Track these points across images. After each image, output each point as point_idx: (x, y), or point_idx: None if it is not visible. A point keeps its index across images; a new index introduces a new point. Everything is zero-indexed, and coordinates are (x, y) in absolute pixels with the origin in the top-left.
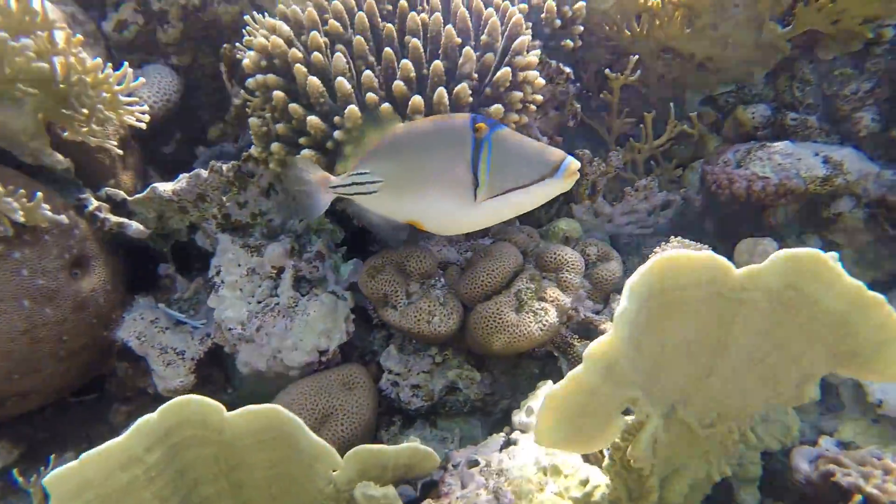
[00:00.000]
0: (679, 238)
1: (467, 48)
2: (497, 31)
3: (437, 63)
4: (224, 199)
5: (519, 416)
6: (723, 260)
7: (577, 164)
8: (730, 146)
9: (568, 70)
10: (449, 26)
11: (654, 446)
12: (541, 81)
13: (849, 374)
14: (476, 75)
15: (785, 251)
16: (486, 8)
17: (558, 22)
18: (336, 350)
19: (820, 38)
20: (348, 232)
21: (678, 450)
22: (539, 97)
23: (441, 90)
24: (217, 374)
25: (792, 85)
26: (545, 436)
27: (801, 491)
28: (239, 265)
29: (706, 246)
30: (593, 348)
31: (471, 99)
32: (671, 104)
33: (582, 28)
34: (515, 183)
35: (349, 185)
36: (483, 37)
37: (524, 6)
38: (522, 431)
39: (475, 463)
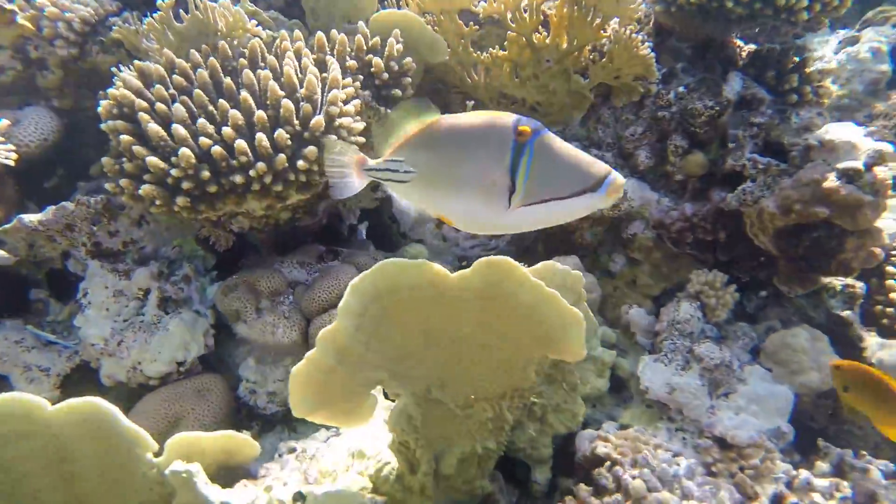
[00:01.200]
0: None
1: (285, 101)
2: (314, 86)
3: (260, 113)
4: (95, 228)
5: None
6: (438, 268)
7: (622, 181)
8: None
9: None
10: (272, 82)
11: (414, 423)
12: (358, 126)
13: (554, 355)
14: (297, 122)
15: (484, 259)
16: (307, 67)
17: (386, 75)
18: (194, 361)
19: (612, 88)
20: (220, 257)
21: (445, 428)
22: (362, 139)
23: (260, 135)
24: (89, 389)
25: (597, 126)
26: (297, 408)
27: (581, 466)
28: (106, 287)
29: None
30: (322, 333)
31: (289, 142)
32: None
33: (409, 79)
34: (554, 193)
35: (383, 170)
36: (303, 90)
37: (353, 63)
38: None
39: (293, 450)
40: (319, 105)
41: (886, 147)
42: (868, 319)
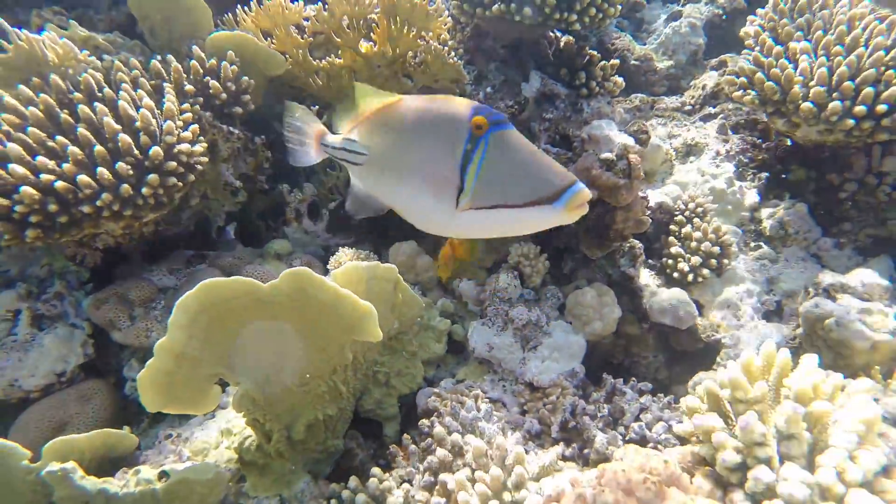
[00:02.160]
0: (348, 249)
1: (122, 135)
2: (148, 119)
3: (100, 148)
4: None
5: (223, 400)
6: (251, 281)
7: (586, 195)
8: None
9: (237, 132)
10: (108, 118)
11: (258, 403)
12: (197, 149)
13: (359, 338)
14: (137, 152)
15: (288, 270)
16: (143, 98)
17: (225, 96)
18: (75, 370)
19: (437, 90)
20: (93, 269)
21: (289, 402)
22: (204, 159)
23: (101, 169)
24: None
25: None
26: (150, 405)
27: (420, 418)
28: None
29: (371, 254)
30: (159, 343)
31: (131, 172)
32: None
33: (248, 97)
34: (505, 199)
35: (339, 148)
36: (139, 123)
37: (191, 88)
38: (222, 408)
39: (169, 436)
40: (157, 135)
41: (629, 140)
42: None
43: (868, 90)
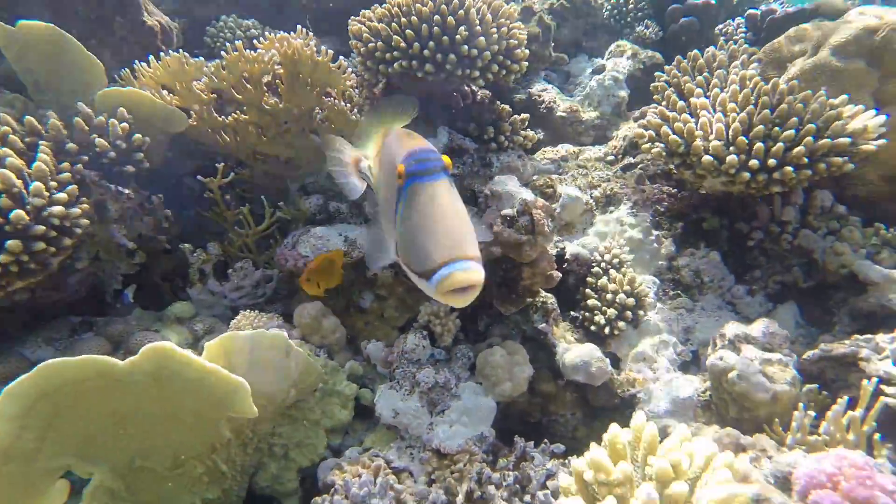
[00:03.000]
0: (250, 312)
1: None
2: (9, 179)
3: None
4: None
5: None
6: (103, 359)
7: (457, 281)
8: (295, 231)
9: (127, 192)
10: None
11: (119, 493)
12: (74, 211)
13: (233, 414)
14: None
15: (148, 346)
16: (8, 155)
17: (113, 154)
18: None
19: None
20: None
21: (160, 489)
22: (84, 221)
23: None
24: None
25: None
26: None
27: (320, 494)
28: None
29: (276, 316)
30: None
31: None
32: (262, 197)
33: (142, 154)
34: (407, 261)
35: (369, 175)
36: (3, 200)
37: (74, 146)
38: None
39: None
40: (22, 197)
41: (529, 196)
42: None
43: (759, 145)
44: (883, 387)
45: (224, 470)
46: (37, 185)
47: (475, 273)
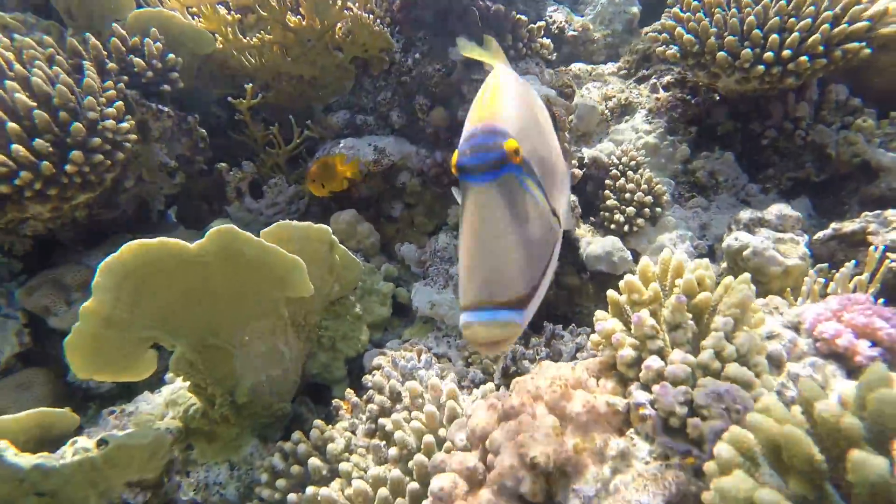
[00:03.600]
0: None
1: (37, 111)
2: (66, 94)
3: (12, 125)
4: None
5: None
6: (176, 241)
7: (474, 338)
8: (325, 144)
9: (167, 109)
10: (19, 95)
11: (197, 366)
12: (124, 126)
13: (290, 294)
14: (58, 130)
15: (214, 228)
16: (59, 74)
17: (150, 74)
18: (10, 360)
19: (367, 60)
20: (27, 260)
21: (229, 366)
22: (132, 136)
23: (16, 146)
24: None
25: (360, 94)
26: (78, 370)
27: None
28: None
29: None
30: (83, 307)
31: (51, 149)
32: (291, 117)
33: (177, 73)
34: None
35: None
36: (56, 100)
37: (114, 65)
38: (168, 383)
39: (112, 412)
40: (78, 112)
41: (552, 93)
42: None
43: (774, 37)
44: (889, 254)
45: (283, 350)
46: (90, 100)
47: (497, 329)
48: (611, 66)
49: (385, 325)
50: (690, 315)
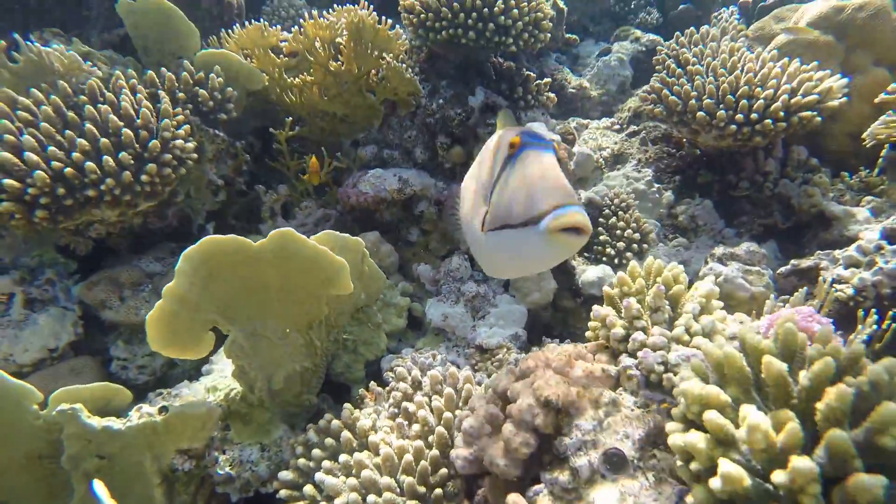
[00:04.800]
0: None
1: (125, 129)
2: (148, 116)
3: (105, 140)
4: None
5: (208, 367)
6: (244, 239)
7: (569, 219)
8: (354, 173)
9: (221, 134)
10: (112, 115)
11: (246, 351)
12: (189, 146)
13: (334, 291)
14: (138, 146)
15: (275, 231)
16: (142, 101)
17: (212, 103)
18: (66, 347)
19: (396, 102)
20: (81, 263)
21: (271, 355)
22: (194, 155)
23: (106, 157)
24: None
25: (388, 132)
26: (154, 343)
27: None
28: None
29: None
30: (166, 288)
31: (132, 162)
32: (322, 149)
33: (232, 105)
34: (507, 218)
35: None
36: (139, 120)
37: (183, 95)
38: (205, 374)
39: (160, 394)
40: (155, 131)
41: (557, 137)
42: (592, 259)
43: (744, 102)
44: (836, 285)
45: (317, 345)
46: (166, 122)
47: (587, 219)
48: (605, 121)
49: (400, 336)
50: (667, 301)
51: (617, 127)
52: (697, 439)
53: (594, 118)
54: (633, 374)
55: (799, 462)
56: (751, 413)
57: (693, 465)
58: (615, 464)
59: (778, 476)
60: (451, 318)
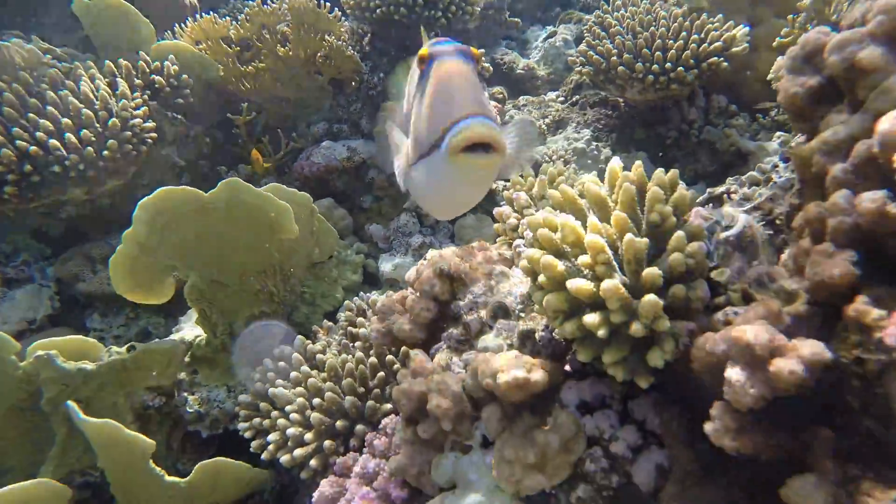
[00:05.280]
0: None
1: (85, 111)
2: (106, 98)
3: (66, 120)
4: None
5: (178, 326)
6: (195, 190)
7: (468, 134)
8: (308, 148)
9: (180, 117)
10: (72, 98)
11: (206, 296)
12: (149, 125)
13: (281, 235)
14: (99, 125)
15: (224, 180)
16: (100, 86)
17: (168, 90)
18: (44, 319)
19: (342, 81)
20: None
21: (231, 301)
22: (153, 134)
23: (68, 135)
24: None
25: (336, 108)
26: (118, 287)
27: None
28: None
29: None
30: (125, 234)
31: (93, 139)
32: (279, 131)
33: (188, 90)
34: (421, 146)
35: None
36: (98, 102)
37: (140, 82)
38: (178, 331)
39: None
40: (114, 111)
41: None
42: None
43: (658, 54)
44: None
45: (273, 291)
46: (123, 102)
47: (494, 130)
48: (551, 95)
49: (357, 291)
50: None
51: (561, 99)
52: (536, 252)
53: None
54: (521, 250)
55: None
56: (568, 221)
57: (539, 279)
58: (499, 315)
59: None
60: (401, 268)
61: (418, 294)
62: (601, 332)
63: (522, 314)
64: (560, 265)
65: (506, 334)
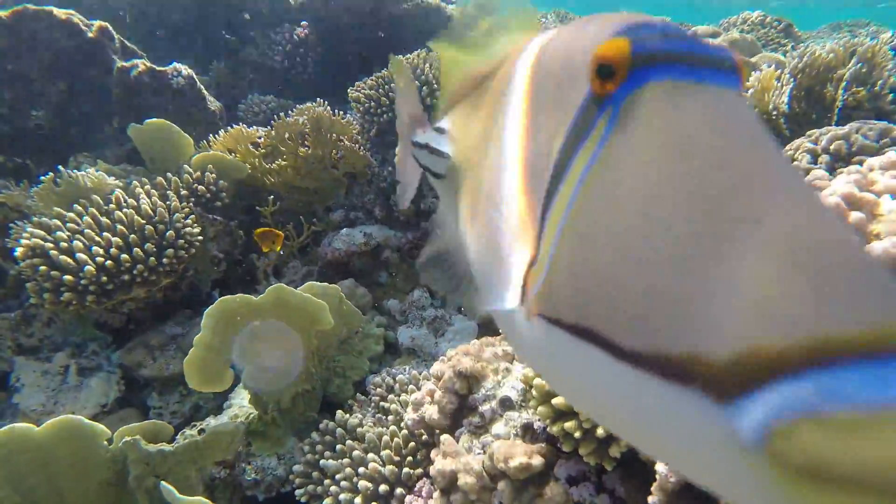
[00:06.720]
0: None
1: (147, 226)
2: (163, 214)
3: (133, 236)
4: (15, 335)
5: (227, 402)
6: (248, 296)
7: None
8: (329, 234)
9: (219, 218)
10: (136, 216)
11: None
12: (195, 230)
13: (319, 328)
14: (157, 237)
15: (271, 287)
16: (157, 202)
17: (209, 195)
18: (114, 402)
19: (355, 174)
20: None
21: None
22: (200, 237)
23: (136, 250)
24: None
25: (352, 197)
26: (192, 382)
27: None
28: (34, 371)
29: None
30: (196, 338)
31: (154, 250)
32: (301, 217)
33: (225, 194)
34: (610, 322)
35: (423, 146)
36: (156, 217)
37: (186, 191)
38: (228, 408)
39: (193, 426)
40: (169, 223)
41: None
42: None
43: None
44: None
45: (312, 371)
46: (177, 215)
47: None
48: None
49: (379, 360)
50: None
51: None
52: (530, 373)
53: None
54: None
55: None
56: None
57: (533, 392)
58: (505, 405)
59: None
60: (418, 339)
61: (443, 391)
62: (577, 434)
63: (523, 404)
64: (547, 384)
65: (512, 423)
